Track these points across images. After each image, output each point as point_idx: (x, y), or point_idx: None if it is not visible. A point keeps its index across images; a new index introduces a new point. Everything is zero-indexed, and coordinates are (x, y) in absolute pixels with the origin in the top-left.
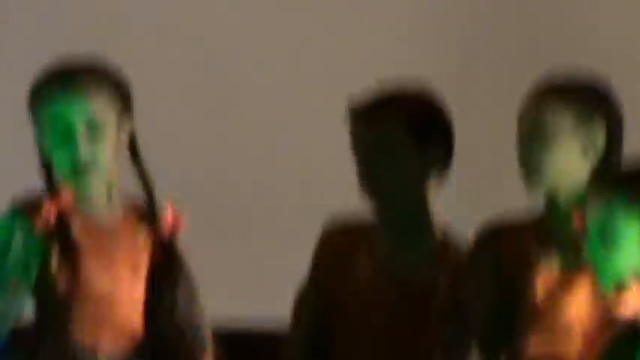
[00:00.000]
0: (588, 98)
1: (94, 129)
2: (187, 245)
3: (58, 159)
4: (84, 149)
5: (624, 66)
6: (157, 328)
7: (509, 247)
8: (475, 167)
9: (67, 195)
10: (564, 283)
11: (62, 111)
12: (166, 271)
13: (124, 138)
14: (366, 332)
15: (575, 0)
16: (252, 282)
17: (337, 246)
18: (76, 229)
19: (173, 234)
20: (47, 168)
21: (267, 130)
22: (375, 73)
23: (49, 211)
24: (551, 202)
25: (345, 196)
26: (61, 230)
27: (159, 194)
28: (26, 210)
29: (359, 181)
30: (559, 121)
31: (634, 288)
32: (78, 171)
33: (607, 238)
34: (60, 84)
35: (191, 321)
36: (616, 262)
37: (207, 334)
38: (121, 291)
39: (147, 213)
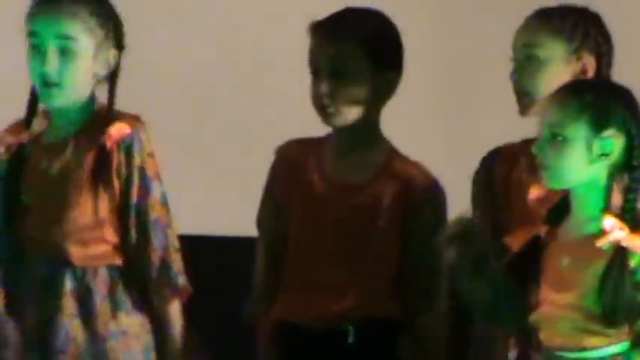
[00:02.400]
0: (574, 23)
1: (65, 51)
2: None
3: (32, 73)
4: (51, 68)
5: None
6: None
7: (502, 167)
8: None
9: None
10: (547, 200)
11: (38, 29)
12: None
13: (102, 67)
14: (316, 241)
15: None
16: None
17: (290, 158)
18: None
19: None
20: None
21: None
22: None
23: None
24: None
25: None
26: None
27: None
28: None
29: (312, 96)
30: (550, 46)
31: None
32: (44, 87)
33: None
34: (43, 3)
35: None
36: (562, 162)
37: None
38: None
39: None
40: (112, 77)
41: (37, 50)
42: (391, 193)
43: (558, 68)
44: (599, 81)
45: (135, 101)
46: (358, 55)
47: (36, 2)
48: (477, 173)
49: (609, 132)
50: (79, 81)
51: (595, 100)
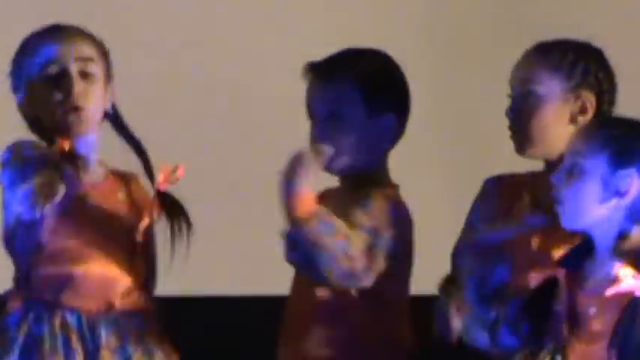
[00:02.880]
0: (574, 59)
1: (85, 74)
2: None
3: (47, 102)
4: (78, 91)
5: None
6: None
7: (502, 201)
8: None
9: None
10: (547, 237)
11: (57, 54)
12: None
13: (109, 98)
14: None
15: None
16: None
17: None
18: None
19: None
20: (37, 121)
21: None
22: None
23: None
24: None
25: None
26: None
27: None
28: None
29: (310, 140)
30: (549, 83)
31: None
32: (69, 113)
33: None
34: (51, 32)
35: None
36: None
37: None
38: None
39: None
40: (117, 114)
41: (55, 77)
42: None
43: (556, 106)
44: (635, 120)
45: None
46: (354, 97)
47: (44, 31)
48: (479, 199)
49: (628, 171)
50: (98, 107)
51: (621, 136)
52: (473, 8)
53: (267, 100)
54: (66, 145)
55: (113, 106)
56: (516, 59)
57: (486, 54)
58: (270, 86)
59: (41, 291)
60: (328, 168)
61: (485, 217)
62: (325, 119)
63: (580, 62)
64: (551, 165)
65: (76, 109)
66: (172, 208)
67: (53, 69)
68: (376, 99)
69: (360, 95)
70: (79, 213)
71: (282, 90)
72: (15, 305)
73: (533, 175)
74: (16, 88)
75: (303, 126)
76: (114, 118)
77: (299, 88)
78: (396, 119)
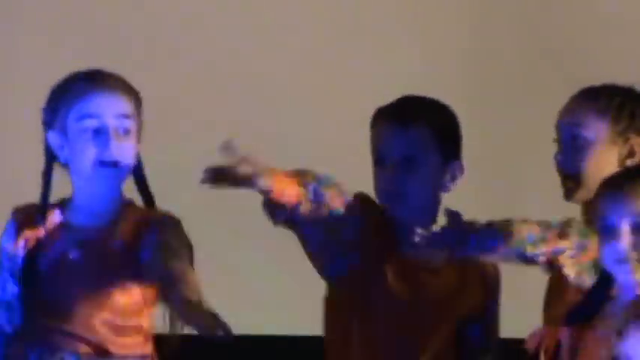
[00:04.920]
0: (621, 104)
1: (122, 130)
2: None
3: (83, 154)
4: (114, 147)
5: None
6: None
7: None
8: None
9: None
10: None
11: (98, 110)
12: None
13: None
14: None
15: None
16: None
17: None
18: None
19: None
20: (50, 170)
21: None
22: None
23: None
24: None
25: None
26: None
27: None
28: (18, 217)
29: (376, 185)
30: (596, 127)
31: None
32: (102, 167)
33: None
34: (93, 81)
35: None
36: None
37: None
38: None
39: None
40: (140, 168)
41: (93, 131)
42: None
43: (604, 150)
44: None
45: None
46: (431, 143)
47: (86, 77)
48: None
49: None
50: (131, 160)
51: None
52: (508, 49)
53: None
54: (52, 216)
55: (138, 157)
56: (550, 100)
57: (521, 97)
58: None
59: (39, 337)
60: (396, 210)
61: None
62: (399, 164)
63: (627, 106)
64: (589, 205)
65: (113, 164)
66: None
67: (92, 123)
68: (449, 146)
69: (436, 142)
70: (71, 271)
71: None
72: (18, 352)
73: None
74: (48, 124)
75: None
76: (137, 168)
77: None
78: (460, 165)
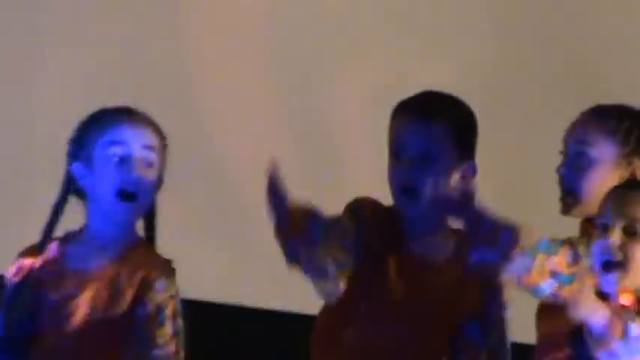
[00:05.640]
0: (630, 127)
1: (147, 161)
2: None
3: (107, 180)
4: (137, 176)
5: None
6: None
7: None
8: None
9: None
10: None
11: (126, 138)
12: None
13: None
14: None
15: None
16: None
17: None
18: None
19: None
20: (63, 203)
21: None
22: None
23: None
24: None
25: None
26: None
27: None
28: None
29: (391, 177)
30: (603, 147)
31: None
32: (124, 197)
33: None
34: (122, 114)
35: None
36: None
37: None
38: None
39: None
40: (152, 212)
41: (119, 158)
42: None
43: (607, 170)
44: None
45: None
46: (449, 140)
47: (116, 111)
48: None
49: None
50: (149, 196)
51: None
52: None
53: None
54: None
55: (154, 201)
56: (559, 117)
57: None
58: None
59: None
60: (409, 204)
61: None
62: (416, 158)
63: (635, 131)
64: (588, 222)
65: (132, 195)
66: None
67: (118, 150)
68: (466, 144)
69: (453, 139)
70: (66, 317)
71: None
72: None
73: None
74: (74, 156)
75: None
76: (150, 212)
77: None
78: (474, 164)
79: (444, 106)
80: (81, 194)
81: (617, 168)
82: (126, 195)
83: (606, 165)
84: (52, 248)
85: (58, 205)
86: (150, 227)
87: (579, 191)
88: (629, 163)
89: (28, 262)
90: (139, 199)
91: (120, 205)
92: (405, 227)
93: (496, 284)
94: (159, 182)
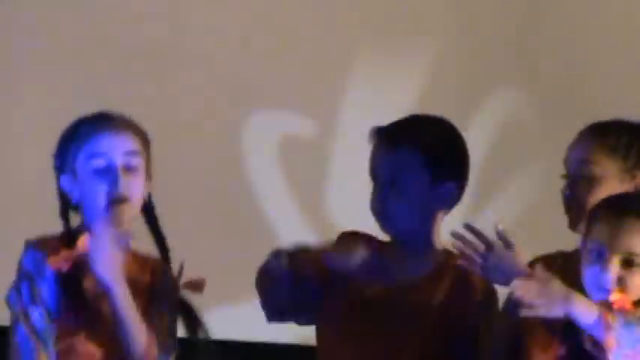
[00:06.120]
0: (629, 141)
1: (130, 167)
2: None
3: (94, 193)
4: (123, 185)
5: None
6: None
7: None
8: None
9: (83, 242)
10: None
11: (104, 149)
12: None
13: (146, 189)
14: None
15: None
16: None
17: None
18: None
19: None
20: (66, 212)
21: None
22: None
23: (64, 257)
24: None
25: None
26: (71, 280)
27: None
28: (39, 246)
29: (371, 202)
30: (605, 164)
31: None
32: (114, 204)
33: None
34: (100, 123)
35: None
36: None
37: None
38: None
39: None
40: (151, 205)
41: (101, 170)
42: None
43: (612, 186)
44: None
45: None
46: (417, 165)
47: (93, 120)
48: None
49: None
50: (140, 197)
51: None
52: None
53: None
54: (82, 244)
55: (149, 196)
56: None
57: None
58: None
59: None
60: (385, 229)
61: None
62: (387, 184)
63: (636, 144)
64: None
65: (121, 200)
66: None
67: (100, 162)
68: (439, 167)
69: (422, 164)
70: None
71: None
72: None
73: (564, 255)
74: (59, 169)
75: None
76: (148, 208)
77: None
78: (455, 186)
79: (413, 130)
80: (73, 206)
81: (621, 183)
82: (115, 201)
83: (609, 181)
84: (85, 242)
85: (63, 214)
86: (151, 220)
87: (584, 207)
88: (633, 177)
89: (67, 252)
90: (128, 201)
91: (111, 209)
92: (388, 249)
93: (488, 298)
94: (147, 179)
